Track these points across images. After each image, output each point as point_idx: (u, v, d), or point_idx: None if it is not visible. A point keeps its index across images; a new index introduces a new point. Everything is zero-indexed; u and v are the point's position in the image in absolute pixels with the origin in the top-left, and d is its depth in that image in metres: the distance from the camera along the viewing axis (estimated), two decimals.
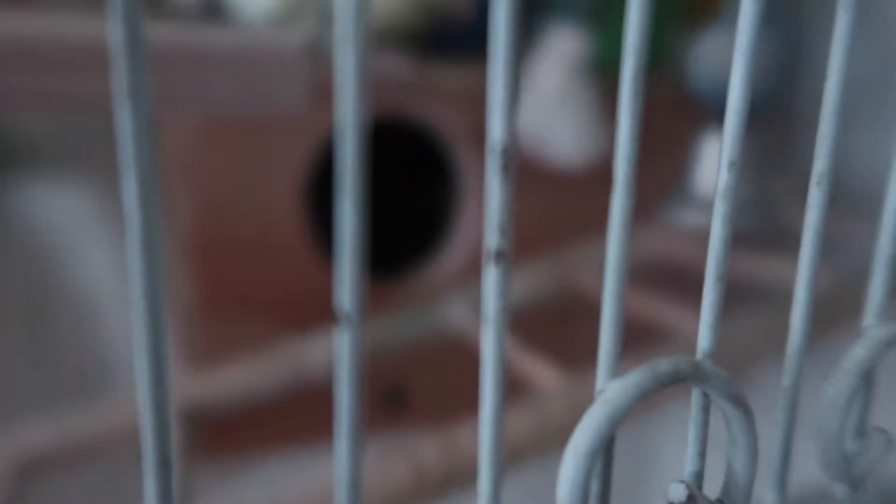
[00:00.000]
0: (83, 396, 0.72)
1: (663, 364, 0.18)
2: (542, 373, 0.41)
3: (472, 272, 0.53)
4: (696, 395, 0.20)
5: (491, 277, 0.15)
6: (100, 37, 0.29)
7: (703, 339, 0.21)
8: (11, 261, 0.69)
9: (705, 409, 0.21)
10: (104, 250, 0.72)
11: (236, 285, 0.48)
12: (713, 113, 0.38)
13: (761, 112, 0.37)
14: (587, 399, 0.37)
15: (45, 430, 0.42)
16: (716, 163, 0.40)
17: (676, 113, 0.55)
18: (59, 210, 0.70)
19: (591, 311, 0.56)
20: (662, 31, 0.59)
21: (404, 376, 0.54)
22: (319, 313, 0.51)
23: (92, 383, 0.74)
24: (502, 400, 0.16)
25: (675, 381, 0.18)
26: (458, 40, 0.70)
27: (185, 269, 0.47)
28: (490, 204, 0.15)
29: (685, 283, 0.60)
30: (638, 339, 0.61)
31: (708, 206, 0.37)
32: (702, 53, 0.37)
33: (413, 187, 0.65)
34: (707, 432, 0.21)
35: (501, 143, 0.14)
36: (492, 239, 0.15)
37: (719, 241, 0.20)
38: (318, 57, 0.48)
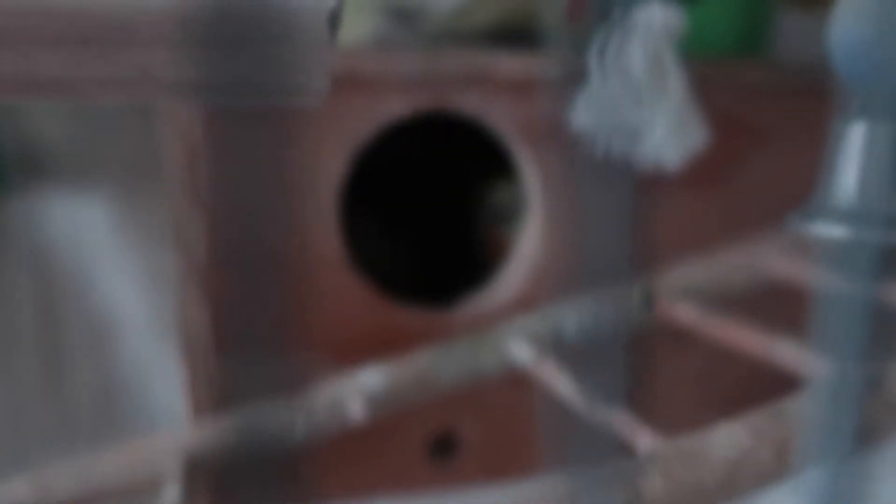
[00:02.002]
0: (100, 422, 0.68)
1: None
2: (626, 427, 0.33)
3: (536, 297, 0.45)
4: None
5: None
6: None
7: None
8: (26, 277, 0.64)
9: None
10: (123, 267, 0.67)
11: (263, 318, 0.41)
12: (861, 95, 0.29)
13: None
14: (688, 469, 0.27)
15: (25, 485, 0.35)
16: (863, 160, 0.31)
17: (797, 102, 0.46)
18: (76, 224, 0.65)
19: (681, 347, 0.46)
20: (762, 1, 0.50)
21: (453, 421, 0.46)
22: (357, 346, 0.44)
23: (110, 407, 0.69)
24: None
25: None
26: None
27: (195, 297, 0.40)
28: None
29: (809, 314, 0.51)
30: (754, 386, 0.51)
31: (851, 216, 0.28)
32: (845, 18, 0.28)
33: (472, 193, 0.57)
34: None
35: None
36: None
37: None
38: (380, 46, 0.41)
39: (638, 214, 0.43)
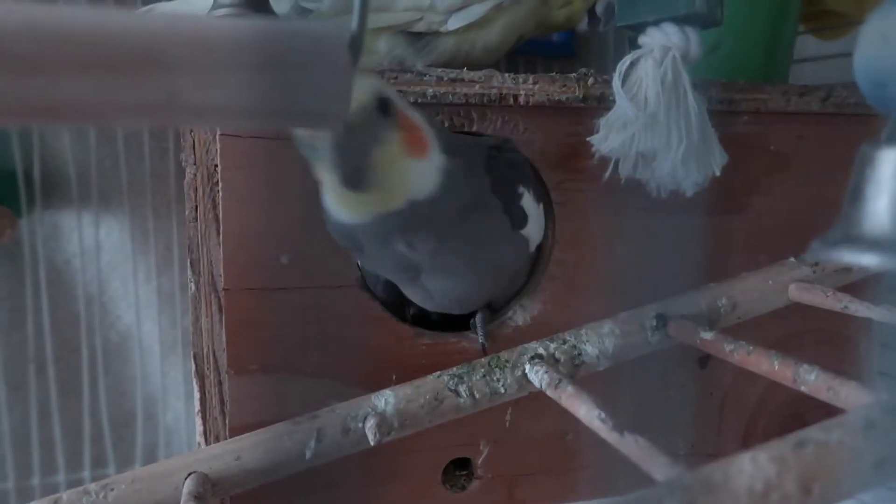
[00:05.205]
0: (115, 441, 0.68)
1: None
2: (645, 454, 0.32)
3: (554, 320, 0.44)
4: None
5: None
6: (83, 26, 0.23)
7: None
8: (44, 295, 0.65)
9: None
10: (140, 287, 0.67)
11: (278, 340, 0.41)
12: (892, 121, 0.29)
13: None
14: (711, 498, 0.26)
15: None
16: (894, 186, 0.30)
17: (819, 126, 0.46)
18: (95, 244, 0.65)
19: (702, 373, 0.45)
20: (783, 29, 0.50)
21: (468, 445, 0.45)
22: (373, 369, 0.43)
23: (125, 426, 0.69)
24: None
25: None
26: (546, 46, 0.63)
27: (211, 318, 0.40)
28: None
29: (842, 345, 0.50)
30: (777, 413, 0.50)
31: (883, 244, 0.27)
32: (871, 43, 0.28)
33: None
34: None
35: None
36: None
37: None
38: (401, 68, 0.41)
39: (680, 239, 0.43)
